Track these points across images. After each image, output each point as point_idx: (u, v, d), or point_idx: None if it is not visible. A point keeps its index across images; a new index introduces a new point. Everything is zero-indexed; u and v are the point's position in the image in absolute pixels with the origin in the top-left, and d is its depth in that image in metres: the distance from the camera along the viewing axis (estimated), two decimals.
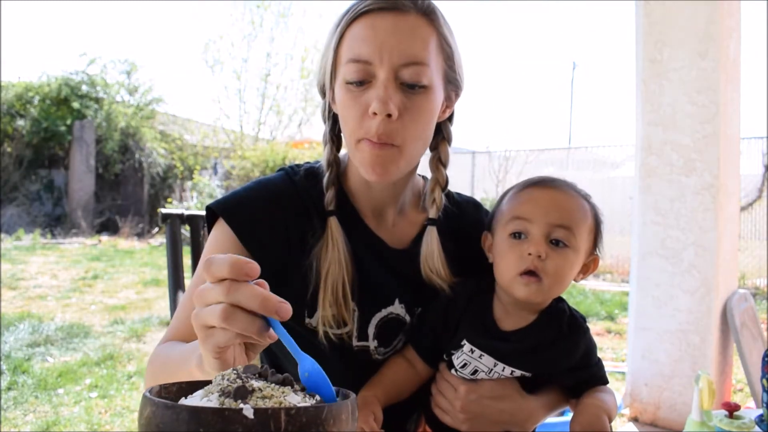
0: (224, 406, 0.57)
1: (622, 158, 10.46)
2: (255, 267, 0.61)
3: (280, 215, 1.01)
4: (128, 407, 3.37)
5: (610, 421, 0.96)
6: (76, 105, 13.28)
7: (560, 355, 0.99)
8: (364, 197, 1.07)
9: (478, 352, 0.98)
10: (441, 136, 1.09)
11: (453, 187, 1.15)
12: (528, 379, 1.00)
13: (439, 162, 1.08)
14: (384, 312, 1.04)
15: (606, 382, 1.03)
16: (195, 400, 0.62)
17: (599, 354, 1.04)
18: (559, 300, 1.03)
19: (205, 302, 0.62)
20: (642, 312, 3.28)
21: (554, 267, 0.94)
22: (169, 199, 13.01)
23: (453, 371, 1.00)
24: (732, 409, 1.28)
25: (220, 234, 1.01)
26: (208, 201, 11.51)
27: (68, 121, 13.08)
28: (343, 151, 1.10)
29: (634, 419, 3.30)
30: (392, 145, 0.95)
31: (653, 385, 3.24)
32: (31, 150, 12.98)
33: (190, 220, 1.46)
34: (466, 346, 0.99)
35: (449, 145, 1.10)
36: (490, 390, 0.98)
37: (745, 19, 3.33)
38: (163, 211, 1.45)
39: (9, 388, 3.54)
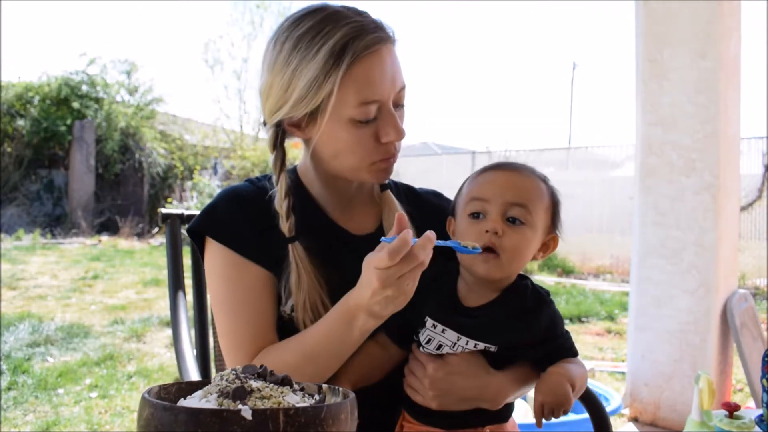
0: (222, 407, 0.57)
1: (622, 158, 10.46)
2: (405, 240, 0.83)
3: (254, 215, 1.09)
4: (128, 407, 3.37)
5: (575, 389, 0.96)
6: (76, 105, 13.28)
7: (524, 327, 1.01)
8: (328, 197, 1.15)
9: (440, 327, 1.01)
10: None
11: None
12: (496, 355, 1.02)
13: None
14: None
15: (575, 354, 1.04)
16: (194, 401, 0.62)
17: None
18: (523, 277, 1.06)
19: (400, 274, 0.86)
20: (642, 312, 3.28)
21: (511, 243, 0.98)
22: (169, 199, 13.01)
23: (421, 349, 1.04)
24: (732, 409, 1.28)
25: (216, 254, 1.08)
26: (208, 201, 11.50)
27: (68, 121, 13.08)
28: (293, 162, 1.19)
29: (634, 419, 3.30)
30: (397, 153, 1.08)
31: (653, 385, 3.24)
32: (31, 150, 12.98)
33: (190, 220, 1.46)
34: (429, 322, 1.02)
35: None
36: (457, 366, 1.01)
37: (745, 19, 3.33)
38: (163, 211, 1.45)
39: (9, 388, 3.54)
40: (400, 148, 1.08)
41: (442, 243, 0.90)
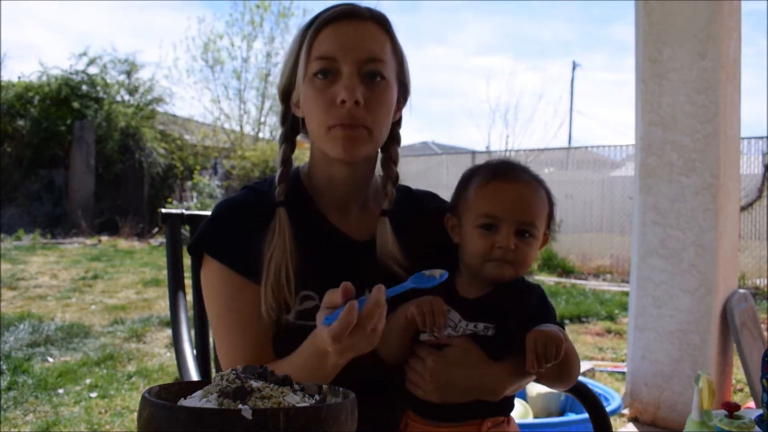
0: (223, 407, 0.57)
1: (622, 158, 10.46)
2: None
3: (252, 227, 1.09)
4: (128, 407, 3.37)
5: (564, 340, 1.00)
6: (76, 105, 13.27)
7: (517, 304, 1.07)
8: (328, 194, 1.16)
9: (445, 307, 1.05)
10: (391, 137, 1.18)
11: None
12: (493, 342, 1.05)
13: (389, 160, 1.20)
14: None
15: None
16: (194, 401, 0.62)
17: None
18: None
19: (352, 343, 0.89)
20: (642, 312, 3.28)
21: (522, 255, 1.07)
22: (169, 199, 13.00)
23: (420, 336, 1.07)
24: (732, 409, 1.28)
25: (214, 272, 1.10)
26: (209, 201, 11.55)
27: (68, 121, 13.07)
28: (301, 153, 1.21)
29: (634, 419, 3.30)
30: (363, 127, 1.06)
31: (653, 385, 3.24)
32: (31, 150, 12.97)
33: (190, 220, 1.46)
34: None
35: (398, 146, 1.22)
36: (455, 358, 1.04)
37: (746, 19, 3.33)
38: (163, 211, 1.45)
39: (9, 388, 3.53)
40: (370, 124, 1.06)
41: (399, 289, 0.92)
